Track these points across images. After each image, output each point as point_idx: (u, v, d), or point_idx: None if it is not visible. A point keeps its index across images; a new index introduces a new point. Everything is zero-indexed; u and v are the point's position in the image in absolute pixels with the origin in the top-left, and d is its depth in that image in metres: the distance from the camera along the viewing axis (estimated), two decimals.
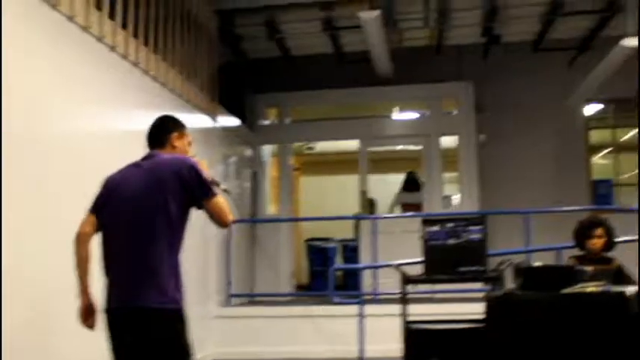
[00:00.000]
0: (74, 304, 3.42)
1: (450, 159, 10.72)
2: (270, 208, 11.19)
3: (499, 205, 9.69)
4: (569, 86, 10.03)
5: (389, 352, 5.80)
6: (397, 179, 11.42)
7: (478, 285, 6.63)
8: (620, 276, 5.30)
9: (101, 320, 3.36)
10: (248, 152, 10.51)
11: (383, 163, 11.87)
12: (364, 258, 9.56)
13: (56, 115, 4.77)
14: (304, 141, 12.23)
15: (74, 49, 5.05)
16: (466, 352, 4.98)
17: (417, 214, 9.89)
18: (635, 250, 5.82)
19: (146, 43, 6.36)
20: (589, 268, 4.82)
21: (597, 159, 11.30)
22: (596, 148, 11.23)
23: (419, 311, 5.63)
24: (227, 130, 9.02)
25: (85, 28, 5.15)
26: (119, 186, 3.41)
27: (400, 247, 7.73)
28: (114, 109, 5.69)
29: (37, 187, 4.40)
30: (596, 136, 11.20)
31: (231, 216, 3.39)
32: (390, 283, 6.86)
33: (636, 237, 6.93)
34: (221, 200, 3.37)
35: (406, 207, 10.71)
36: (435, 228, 5.28)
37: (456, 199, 11.19)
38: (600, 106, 11.07)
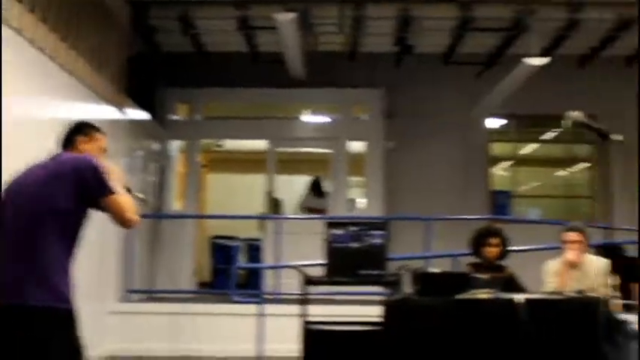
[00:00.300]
0: None
1: (358, 163, 10.88)
2: (176, 204, 11.05)
3: (404, 210, 9.89)
4: (476, 99, 10.38)
5: (288, 352, 5.83)
6: (305, 181, 11.49)
7: (378, 288, 6.75)
8: (512, 284, 5.53)
9: None
10: (156, 146, 10.34)
11: (291, 165, 11.93)
12: (268, 258, 9.58)
13: None
14: (214, 138, 12.12)
15: None
16: (363, 353, 5.06)
17: (322, 216, 9.99)
18: (527, 260, 6.07)
19: (55, 30, 6.16)
20: (483, 276, 5.00)
21: (497, 170, 11.72)
22: (497, 160, 11.64)
23: (319, 312, 5.68)
24: (135, 123, 8.84)
25: None
26: (19, 183, 3.33)
27: (305, 249, 7.79)
28: (16, 95, 5.48)
29: None
30: (497, 148, 11.62)
31: (134, 216, 3.32)
32: (292, 283, 6.88)
33: (528, 247, 7.28)
34: (122, 199, 3.29)
35: (311, 211, 10.81)
36: (339, 231, 5.33)
37: (361, 203, 11.37)
38: (503, 121, 11.49)
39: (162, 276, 10.01)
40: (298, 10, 7.85)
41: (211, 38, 9.57)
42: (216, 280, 11.03)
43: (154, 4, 8.65)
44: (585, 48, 10.08)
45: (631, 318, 5.34)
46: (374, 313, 4.86)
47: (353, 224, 5.42)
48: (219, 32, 9.35)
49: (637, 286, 6.03)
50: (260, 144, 11.12)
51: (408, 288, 5.01)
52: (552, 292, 5.27)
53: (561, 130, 9.93)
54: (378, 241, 5.32)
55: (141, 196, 3.53)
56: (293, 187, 11.97)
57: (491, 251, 5.87)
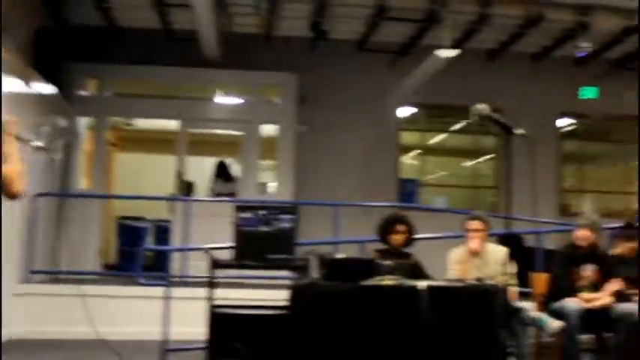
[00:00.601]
0: None
1: (269, 147, 10.87)
2: (82, 183, 10.76)
3: (315, 195, 9.95)
4: (388, 88, 10.54)
5: (194, 336, 5.79)
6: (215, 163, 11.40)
7: (286, 273, 6.79)
8: (417, 271, 5.67)
9: None
10: (62, 123, 10.00)
11: (203, 146, 11.79)
12: (176, 240, 9.47)
13: None
14: (124, 116, 11.83)
15: None
16: (269, 337, 5.09)
17: (231, 199, 9.94)
18: (433, 248, 6.23)
19: None
20: (389, 262, 5.10)
21: (406, 159, 11.95)
22: (406, 149, 11.86)
23: (227, 296, 5.68)
24: (41, 98, 8.54)
25: None
26: None
27: (214, 232, 7.73)
28: None
29: None
30: (407, 137, 11.84)
31: (21, 187, 3.24)
32: (201, 266, 6.84)
33: (434, 235, 7.46)
34: (9, 170, 3.21)
35: (221, 196, 10.73)
36: (248, 214, 5.32)
37: (272, 187, 11.37)
38: (414, 110, 11.71)
39: (66, 257, 9.73)
40: None
41: (124, 13, 9.34)
42: (122, 262, 10.82)
43: None
44: (495, 42, 10.39)
45: (527, 305, 5.59)
46: (281, 297, 4.89)
47: (262, 208, 5.42)
48: (133, 8, 9.14)
49: (534, 274, 6.28)
50: (171, 124, 10.94)
51: (315, 273, 5.07)
52: (454, 280, 5.44)
53: (468, 121, 10.21)
54: (286, 225, 5.35)
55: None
56: (204, 168, 11.84)
57: (398, 238, 6.00)
